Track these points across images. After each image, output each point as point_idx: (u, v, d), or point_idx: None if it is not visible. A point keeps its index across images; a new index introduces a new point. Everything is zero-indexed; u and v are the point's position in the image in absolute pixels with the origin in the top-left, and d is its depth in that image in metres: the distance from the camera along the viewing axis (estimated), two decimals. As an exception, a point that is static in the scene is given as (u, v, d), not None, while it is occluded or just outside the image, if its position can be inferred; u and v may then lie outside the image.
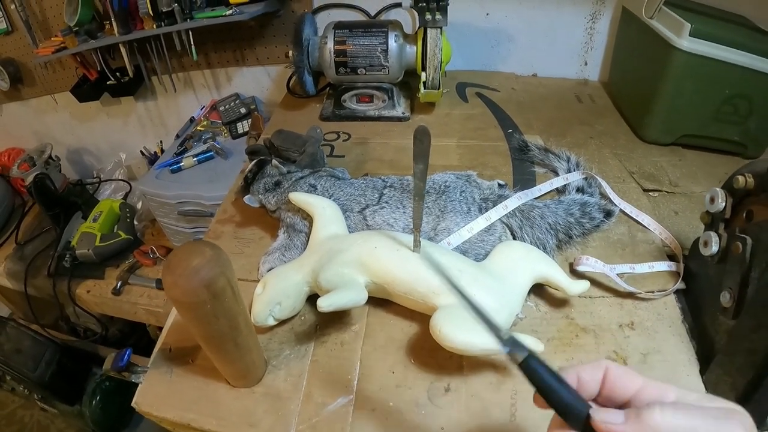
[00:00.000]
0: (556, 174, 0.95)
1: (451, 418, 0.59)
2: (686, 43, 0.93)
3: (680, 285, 0.73)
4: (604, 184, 0.89)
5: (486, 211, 0.78)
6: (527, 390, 0.60)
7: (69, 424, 1.74)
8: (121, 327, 1.81)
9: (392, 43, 1.12)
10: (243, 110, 1.56)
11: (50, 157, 1.79)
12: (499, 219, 0.78)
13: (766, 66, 0.93)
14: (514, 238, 0.78)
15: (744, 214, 0.61)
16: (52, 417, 1.77)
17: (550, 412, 0.39)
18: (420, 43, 1.11)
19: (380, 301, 0.71)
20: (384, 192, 0.80)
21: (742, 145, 1.04)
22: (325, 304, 0.59)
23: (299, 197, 0.78)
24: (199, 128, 1.60)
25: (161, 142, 1.87)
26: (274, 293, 0.67)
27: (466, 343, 0.57)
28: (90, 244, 1.55)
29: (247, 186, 0.87)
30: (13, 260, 1.71)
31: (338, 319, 0.71)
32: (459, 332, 0.57)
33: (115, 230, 1.64)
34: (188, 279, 0.46)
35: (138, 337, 1.85)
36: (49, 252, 1.65)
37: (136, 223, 1.69)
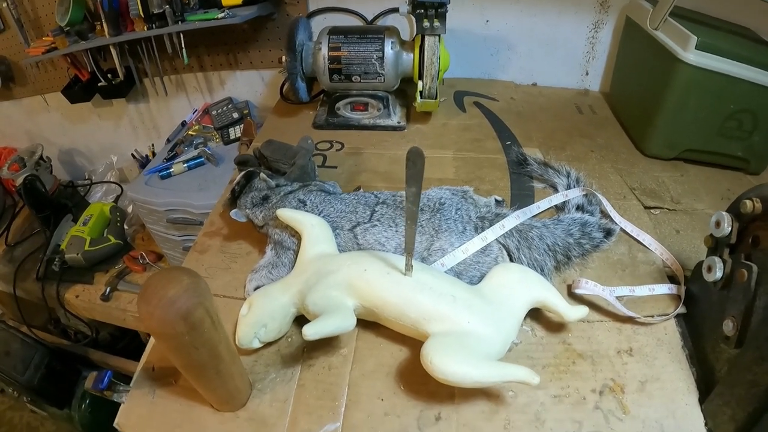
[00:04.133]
0: (556, 190, 0.92)
1: (442, 449, 0.57)
2: (692, 56, 0.91)
3: (681, 309, 0.71)
4: (604, 201, 0.87)
5: (482, 231, 0.75)
6: (521, 419, 0.58)
7: (58, 427, 1.73)
8: (111, 330, 1.79)
9: (388, 50, 1.09)
10: (235, 115, 1.53)
11: (41, 158, 1.77)
12: (496, 239, 0.75)
13: (772, 80, 0.91)
14: (511, 260, 0.75)
15: (750, 240, 0.59)
16: (41, 419, 1.76)
17: None
18: (417, 50, 1.08)
19: (370, 323, 0.69)
20: (376, 209, 0.77)
21: (744, 160, 1.03)
22: (310, 332, 0.57)
23: (287, 214, 0.75)
24: (190, 133, 1.57)
25: (153, 145, 1.84)
26: (260, 315, 0.65)
27: (458, 374, 0.54)
28: (79, 248, 1.54)
29: (234, 199, 0.84)
30: (3, 262, 1.69)
31: (326, 342, 0.68)
32: (451, 363, 0.55)
33: (105, 234, 1.62)
34: (164, 310, 0.44)
35: (129, 341, 1.83)
36: (39, 255, 1.62)
37: (126, 227, 1.67)
